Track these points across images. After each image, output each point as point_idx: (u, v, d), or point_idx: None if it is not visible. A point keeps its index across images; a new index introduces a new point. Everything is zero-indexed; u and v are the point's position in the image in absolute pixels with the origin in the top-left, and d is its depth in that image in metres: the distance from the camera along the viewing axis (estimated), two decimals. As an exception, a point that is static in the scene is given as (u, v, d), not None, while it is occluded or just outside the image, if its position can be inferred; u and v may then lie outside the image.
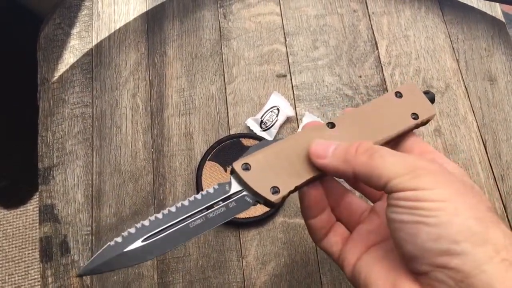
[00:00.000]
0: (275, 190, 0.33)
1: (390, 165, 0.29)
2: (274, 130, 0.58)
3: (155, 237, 0.31)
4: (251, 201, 0.33)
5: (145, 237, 0.31)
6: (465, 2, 0.65)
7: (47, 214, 0.56)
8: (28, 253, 1.22)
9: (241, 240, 0.55)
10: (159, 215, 0.32)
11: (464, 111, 0.60)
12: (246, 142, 0.58)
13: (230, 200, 0.33)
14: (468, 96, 0.60)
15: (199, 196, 0.33)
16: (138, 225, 0.31)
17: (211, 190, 0.33)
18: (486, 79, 0.61)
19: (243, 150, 0.57)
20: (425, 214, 0.27)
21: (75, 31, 0.65)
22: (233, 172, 0.34)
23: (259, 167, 0.33)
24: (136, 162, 0.58)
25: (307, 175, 0.34)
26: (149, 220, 0.32)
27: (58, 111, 0.61)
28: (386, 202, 0.30)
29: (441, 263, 0.27)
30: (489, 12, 0.64)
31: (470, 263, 0.26)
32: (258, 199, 0.33)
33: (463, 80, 0.61)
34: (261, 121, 0.58)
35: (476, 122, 0.59)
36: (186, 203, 0.33)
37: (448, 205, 0.27)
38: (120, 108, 0.61)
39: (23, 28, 0.73)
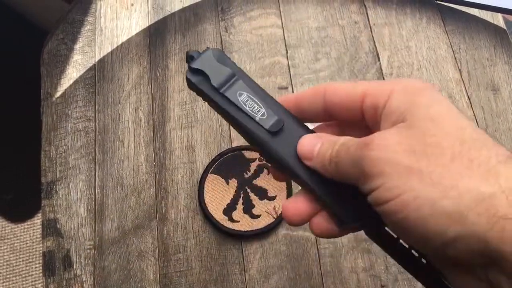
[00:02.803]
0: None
1: (348, 168, 0.26)
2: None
3: None
4: None
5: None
6: (467, 11, 0.65)
7: (50, 228, 0.57)
8: (36, 267, 1.22)
9: (243, 253, 0.54)
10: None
11: (467, 121, 0.59)
12: (248, 154, 0.58)
13: None
14: (471, 106, 0.60)
15: None
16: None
17: None
18: (489, 88, 0.61)
19: (245, 163, 0.57)
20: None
21: (78, 46, 0.65)
22: None
23: None
24: (139, 175, 0.58)
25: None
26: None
27: (61, 125, 0.61)
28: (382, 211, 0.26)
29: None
30: (490, 20, 0.64)
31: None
32: None
33: (466, 90, 0.61)
34: (263, 134, 0.58)
35: (480, 132, 0.58)
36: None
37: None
38: (122, 122, 0.61)
39: (26, 42, 0.74)
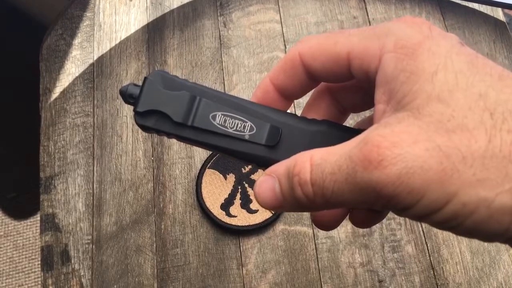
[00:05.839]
0: None
1: (348, 197, 0.20)
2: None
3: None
4: None
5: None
6: (466, 5, 0.65)
7: (48, 223, 0.57)
8: (38, 264, 1.22)
9: (241, 248, 0.54)
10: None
11: (466, 116, 0.59)
12: (246, 149, 0.58)
13: None
14: (471, 100, 0.60)
15: None
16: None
17: None
18: (488, 83, 0.60)
19: (243, 158, 0.57)
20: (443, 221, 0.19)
21: (77, 41, 0.65)
22: None
23: None
24: (137, 170, 0.58)
25: None
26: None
27: (59, 120, 0.61)
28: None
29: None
30: (490, 14, 0.64)
31: None
32: None
33: (465, 84, 0.60)
34: (261, 128, 0.58)
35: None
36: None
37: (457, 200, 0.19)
38: (121, 117, 0.61)
39: (26, 37, 0.74)
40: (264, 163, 0.25)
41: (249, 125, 0.24)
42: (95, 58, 0.64)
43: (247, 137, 0.24)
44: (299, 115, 0.27)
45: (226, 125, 0.24)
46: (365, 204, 0.20)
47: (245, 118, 0.24)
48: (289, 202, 0.23)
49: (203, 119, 0.24)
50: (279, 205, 0.23)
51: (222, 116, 0.24)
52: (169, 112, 0.24)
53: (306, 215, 0.55)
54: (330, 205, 0.22)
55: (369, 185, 0.19)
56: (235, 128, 0.24)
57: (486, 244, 0.53)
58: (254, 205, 0.55)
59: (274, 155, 0.24)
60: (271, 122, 0.24)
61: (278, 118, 0.25)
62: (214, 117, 0.24)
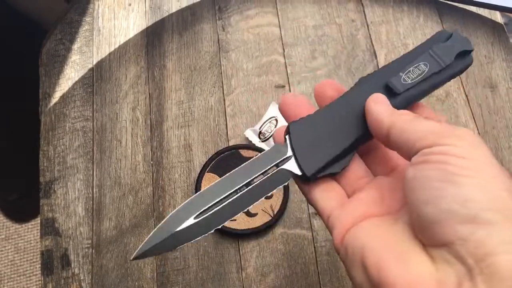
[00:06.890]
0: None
1: (426, 125, 0.27)
2: (272, 141, 0.58)
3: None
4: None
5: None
6: (464, 7, 0.65)
7: (48, 227, 0.57)
8: (40, 267, 1.22)
9: (240, 251, 0.54)
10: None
11: (465, 119, 0.59)
12: (245, 153, 0.58)
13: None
14: (469, 103, 0.60)
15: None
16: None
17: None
18: (486, 86, 0.60)
19: (242, 161, 0.57)
20: (455, 172, 0.24)
21: (76, 46, 0.66)
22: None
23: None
24: (136, 174, 0.59)
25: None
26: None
27: (59, 125, 0.61)
28: (410, 164, 0.27)
29: (463, 234, 0.23)
30: (488, 16, 0.64)
31: (497, 237, 0.22)
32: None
33: (464, 87, 0.61)
34: (260, 132, 0.58)
35: (477, 129, 0.58)
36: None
37: (481, 167, 0.24)
38: (120, 121, 0.61)
39: (25, 40, 0.74)
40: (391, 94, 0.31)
41: (408, 82, 0.31)
42: (94, 63, 0.65)
43: (402, 76, 0.31)
44: None
45: (414, 69, 0.31)
46: (409, 143, 0.27)
47: (415, 80, 0.31)
48: (387, 109, 0.30)
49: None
50: (382, 101, 0.31)
51: (423, 65, 0.31)
52: None
53: (305, 219, 0.55)
54: (392, 127, 0.29)
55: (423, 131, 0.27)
56: (411, 71, 0.31)
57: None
58: (253, 209, 0.55)
59: (372, 92, 0.31)
60: (403, 96, 0.31)
61: (404, 98, 0.32)
62: (424, 65, 0.31)
